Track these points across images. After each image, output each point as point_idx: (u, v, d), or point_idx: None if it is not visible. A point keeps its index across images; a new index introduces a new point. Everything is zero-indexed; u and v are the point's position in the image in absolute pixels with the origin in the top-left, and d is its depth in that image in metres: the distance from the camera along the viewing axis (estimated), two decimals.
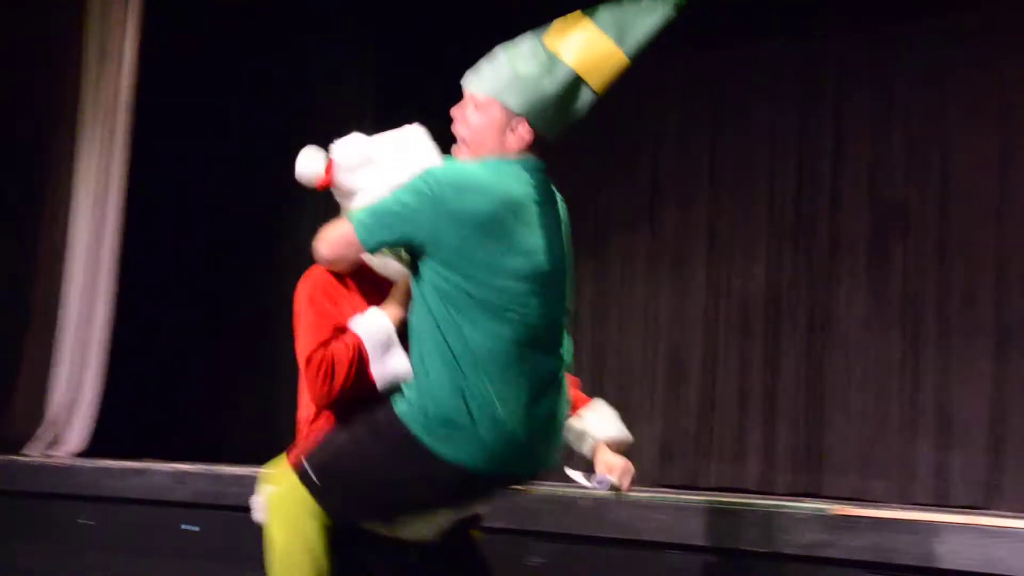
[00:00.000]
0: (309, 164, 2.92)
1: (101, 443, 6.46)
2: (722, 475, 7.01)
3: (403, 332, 2.76)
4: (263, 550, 2.77)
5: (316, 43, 7.62)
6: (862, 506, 4.48)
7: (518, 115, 2.62)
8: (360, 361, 2.73)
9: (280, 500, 2.69)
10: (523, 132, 2.63)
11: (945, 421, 6.50)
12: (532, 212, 2.60)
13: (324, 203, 8.06)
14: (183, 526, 5.12)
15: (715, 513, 4.16)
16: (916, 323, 6.69)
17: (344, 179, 2.89)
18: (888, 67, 6.92)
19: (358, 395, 2.76)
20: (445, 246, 2.55)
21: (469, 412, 2.53)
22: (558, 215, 2.71)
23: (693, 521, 4.15)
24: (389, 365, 2.77)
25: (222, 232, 7.73)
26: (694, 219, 7.39)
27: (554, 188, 2.73)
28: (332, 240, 2.74)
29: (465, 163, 2.65)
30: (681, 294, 7.38)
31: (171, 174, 7.48)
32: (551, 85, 2.61)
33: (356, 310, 2.83)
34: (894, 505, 5.36)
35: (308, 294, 2.90)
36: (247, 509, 3.00)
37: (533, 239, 2.59)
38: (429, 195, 2.54)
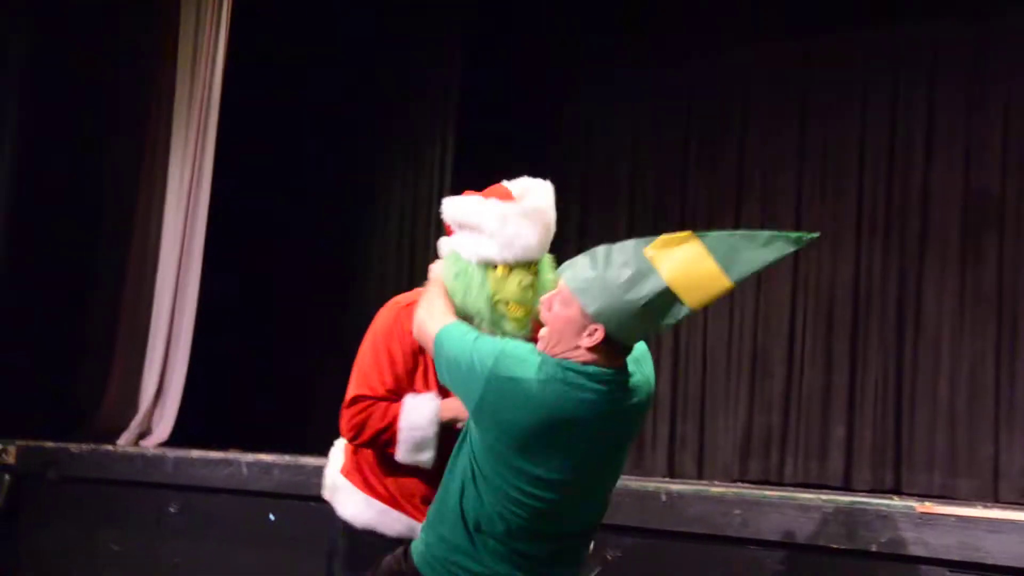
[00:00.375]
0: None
1: (185, 433, 6.59)
2: (803, 470, 6.92)
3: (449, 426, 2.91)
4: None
5: (402, 45, 7.67)
6: (948, 503, 4.39)
7: (594, 320, 2.53)
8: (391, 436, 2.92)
9: None
10: (596, 337, 2.53)
11: None
12: (578, 430, 2.55)
13: (408, 208, 8.12)
14: (271, 516, 5.21)
15: (796, 509, 4.12)
16: (1009, 318, 6.53)
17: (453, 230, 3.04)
18: (982, 55, 6.76)
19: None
20: (479, 429, 2.60)
21: (456, 556, 2.64)
22: (615, 424, 2.62)
23: (773, 516, 4.11)
24: (414, 458, 2.95)
25: (305, 229, 7.82)
26: (780, 211, 7.29)
27: (629, 385, 2.61)
28: (423, 330, 2.82)
29: (529, 365, 2.57)
30: (765, 287, 7.29)
31: (254, 170, 7.59)
32: (637, 297, 2.50)
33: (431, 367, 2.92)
34: (981, 503, 5.24)
35: (387, 330, 3.00)
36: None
37: (569, 455, 2.57)
38: (483, 385, 2.56)
